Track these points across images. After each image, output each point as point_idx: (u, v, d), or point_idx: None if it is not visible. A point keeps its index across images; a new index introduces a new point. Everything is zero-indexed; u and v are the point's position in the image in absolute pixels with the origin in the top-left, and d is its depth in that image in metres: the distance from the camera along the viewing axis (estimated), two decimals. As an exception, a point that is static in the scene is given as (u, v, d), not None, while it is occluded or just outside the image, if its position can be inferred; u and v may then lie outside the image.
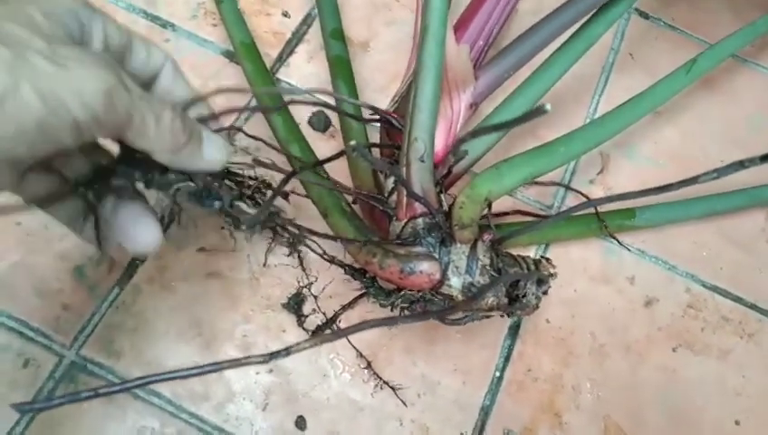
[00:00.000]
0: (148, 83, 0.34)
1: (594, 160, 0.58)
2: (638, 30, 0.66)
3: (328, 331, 0.47)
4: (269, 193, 0.44)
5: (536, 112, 0.24)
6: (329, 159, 0.39)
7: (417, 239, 0.43)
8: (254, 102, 0.54)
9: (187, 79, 0.36)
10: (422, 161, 0.41)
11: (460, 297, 0.42)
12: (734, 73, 0.65)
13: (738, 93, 0.64)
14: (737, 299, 0.54)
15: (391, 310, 0.44)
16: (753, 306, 0.54)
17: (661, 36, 0.66)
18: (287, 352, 0.28)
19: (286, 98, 0.45)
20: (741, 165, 0.33)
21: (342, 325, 0.48)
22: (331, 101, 0.55)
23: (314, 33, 0.59)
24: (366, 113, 0.49)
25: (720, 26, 0.66)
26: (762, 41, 0.66)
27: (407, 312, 0.44)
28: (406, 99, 0.45)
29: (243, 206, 0.38)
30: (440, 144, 0.46)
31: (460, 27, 0.49)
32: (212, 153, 0.34)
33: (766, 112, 0.63)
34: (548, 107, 0.24)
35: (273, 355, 0.28)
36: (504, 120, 0.28)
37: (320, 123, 0.55)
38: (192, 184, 0.34)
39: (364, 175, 0.49)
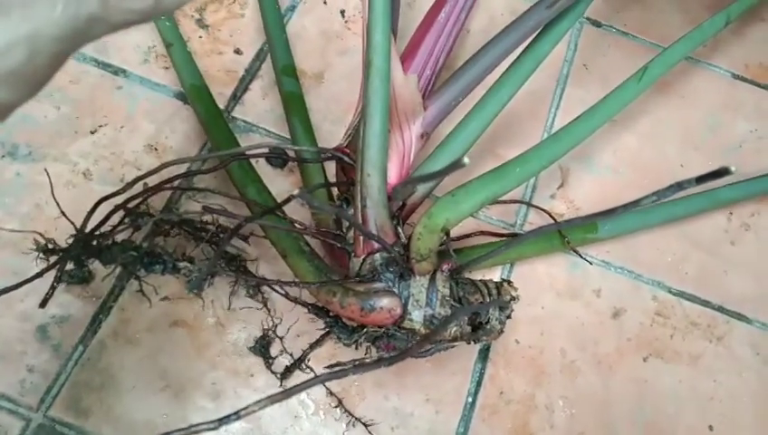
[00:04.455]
0: None
1: (554, 174, 0.58)
2: (591, 39, 0.66)
3: (297, 371, 0.47)
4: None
5: (454, 166, 0.24)
6: (278, 206, 0.39)
7: (376, 275, 0.43)
8: (208, 147, 0.54)
9: None
10: (371, 200, 0.41)
11: (423, 330, 0.42)
12: (688, 75, 0.65)
13: (693, 95, 0.64)
14: (704, 303, 0.54)
15: (356, 348, 0.44)
16: (720, 309, 0.54)
17: (614, 44, 0.66)
18: (237, 416, 0.28)
19: (241, 148, 0.46)
20: (679, 186, 0.33)
21: (311, 364, 0.47)
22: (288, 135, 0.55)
23: (267, 68, 0.59)
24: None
25: (671, 28, 0.67)
26: (714, 41, 0.66)
27: (372, 349, 0.44)
28: (358, 132, 0.46)
29: (187, 265, 0.38)
30: (393, 177, 0.46)
31: (407, 57, 0.49)
32: None
33: (722, 112, 0.64)
34: (466, 161, 0.24)
35: (223, 420, 0.28)
36: (432, 171, 0.28)
37: (278, 160, 0.55)
38: (134, 253, 0.35)
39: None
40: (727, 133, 0.63)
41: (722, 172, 0.30)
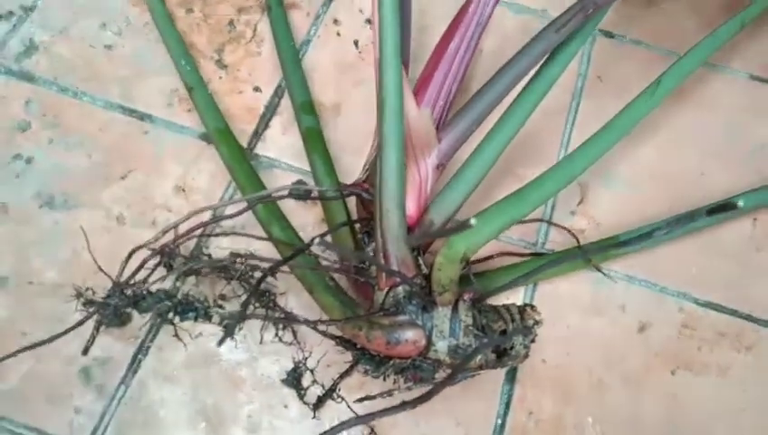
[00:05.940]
0: None
1: (573, 191, 0.59)
2: (604, 50, 0.66)
3: (329, 400, 0.49)
4: (257, 274, 0.46)
5: (461, 227, 0.25)
6: (300, 251, 0.40)
7: (400, 308, 0.44)
8: (233, 185, 0.56)
9: None
10: (391, 235, 0.43)
11: (448, 360, 0.43)
12: (703, 80, 0.65)
13: (711, 101, 0.64)
14: (732, 312, 0.54)
15: (384, 380, 0.46)
16: (748, 317, 0.54)
17: (628, 54, 0.66)
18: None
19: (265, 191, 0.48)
20: (691, 218, 0.33)
21: (342, 393, 0.49)
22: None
23: (286, 103, 0.61)
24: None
25: (686, 33, 0.67)
26: (730, 43, 0.66)
27: (400, 380, 0.45)
28: (375, 168, 0.47)
29: (217, 311, 0.40)
30: (412, 209, 0.47)
31: (419, 90, 0.50)
32: None
33: (741, 115, 0.63)
34: (473, 222, 0.25)
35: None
36: (438, 229, 0.29)
37: (301, 194, 0.56)
38: (168, 303, 0.36)
39: (347, 245, 0.50)
40: (747, 137, 0.62)
41: (729, 206, 0.31)
